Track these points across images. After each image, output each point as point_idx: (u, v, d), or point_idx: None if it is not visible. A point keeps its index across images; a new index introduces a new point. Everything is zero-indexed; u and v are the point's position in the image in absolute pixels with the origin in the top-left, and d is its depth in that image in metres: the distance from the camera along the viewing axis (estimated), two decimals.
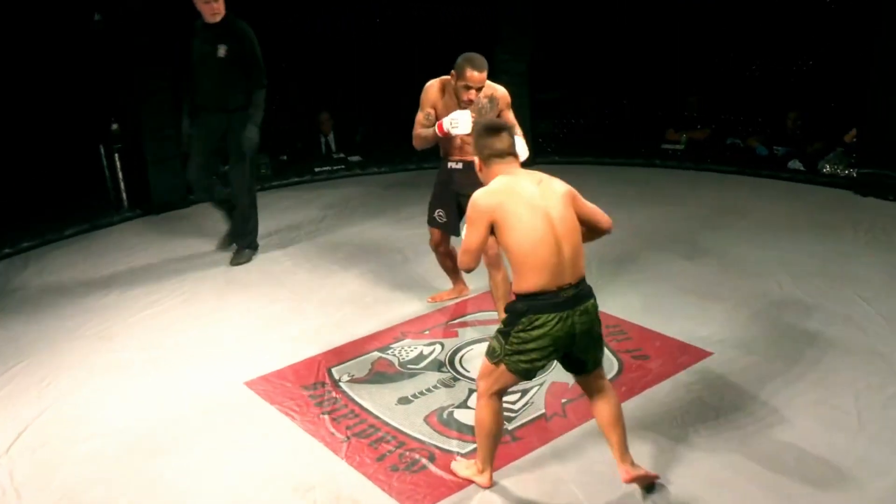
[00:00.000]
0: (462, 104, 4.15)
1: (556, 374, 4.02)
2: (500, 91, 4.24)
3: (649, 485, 3.14)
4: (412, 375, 4.11)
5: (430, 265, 5.44)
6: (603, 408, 3.10)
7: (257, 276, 5.56)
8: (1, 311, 5.22)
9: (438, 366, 4.19)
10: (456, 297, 4.95)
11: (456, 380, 4.05)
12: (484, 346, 4.24)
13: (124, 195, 7.16)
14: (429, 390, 3.96)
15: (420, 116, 4.30)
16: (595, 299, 3.01)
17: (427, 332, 4.57)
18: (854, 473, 3.17)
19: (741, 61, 8.11)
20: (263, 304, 5.10)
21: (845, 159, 6.97)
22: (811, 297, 4.73)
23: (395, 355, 4.32)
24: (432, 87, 4.32)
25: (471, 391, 3.92)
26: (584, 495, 3.15)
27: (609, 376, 3.90)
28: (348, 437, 3.60)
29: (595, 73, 8.58)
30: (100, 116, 7.27)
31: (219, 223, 6.12)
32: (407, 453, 3.46)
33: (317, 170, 8.08)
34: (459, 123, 4.06)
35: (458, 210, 4.42)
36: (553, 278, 2.88)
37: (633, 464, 3.10)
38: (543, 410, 3.73)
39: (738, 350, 4.16)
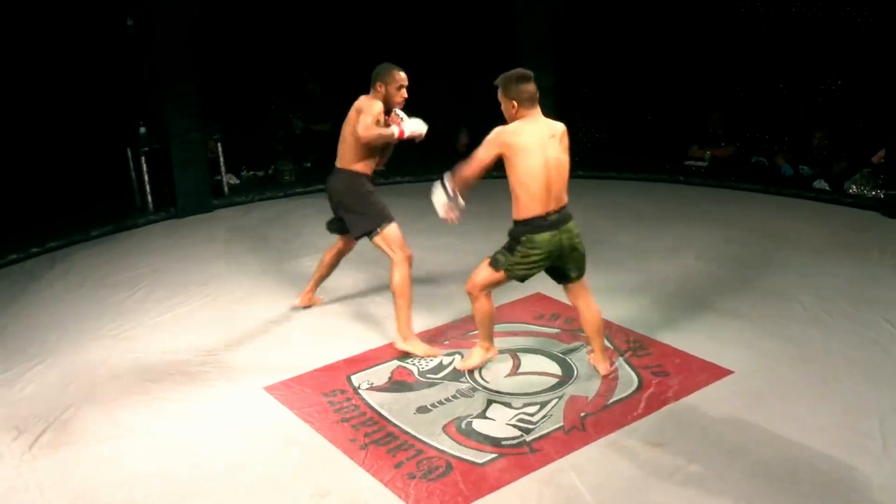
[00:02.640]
0: (397, 105, 4.45)
1: (576, 387, 4.02)
2: None
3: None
4: (431, 385, 4.12)
5: (450, 275, 5.46)
6: (589, 317, 4.07)
7: (279, 283, 5.59)
8: (26, 310, 5.30)
9: (457, 376, 4.19)
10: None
11: (475, 390, 4.05)
12: (502, 358, 4.30)
13: (150, 198, 7.25)
14: (448, 400, 3.96)
15: (371, 119, 4.31)
16: (573, 220, 3.91)
17: (447, 342, 4.57)
18: (877, 500, 3.13)
19: (767, 79, 8.06)
20: (285, 309, 5.13)
21: (872, 180, 6.91)
22: (834, 319, 4.69)
23: (414, 364, 4.33)
24: (378, 101, 4.39)
25: (489, 402, 3.92)
26: None
27: (629, 391, 3.96)
28: (366, 444, 3.61)
29: (619, 88, 8.57)
30: (128, 119, 7.37)
31: (241, 226, 6.15)
32: (424, 461, 3.46)
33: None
34: (420, 125, 4.43)
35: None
36: (542, 207, 3.79)
37: (606, 362, 4.13)
38: (562, 423, 3.72)
39: (760, 369, 4.13)
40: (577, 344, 4.48)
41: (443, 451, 3.53)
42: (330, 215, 4.77)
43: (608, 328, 4.63)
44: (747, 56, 8.08)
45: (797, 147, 7.88)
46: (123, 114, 7.44)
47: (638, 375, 4.12)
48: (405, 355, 4.41)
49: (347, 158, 4.52)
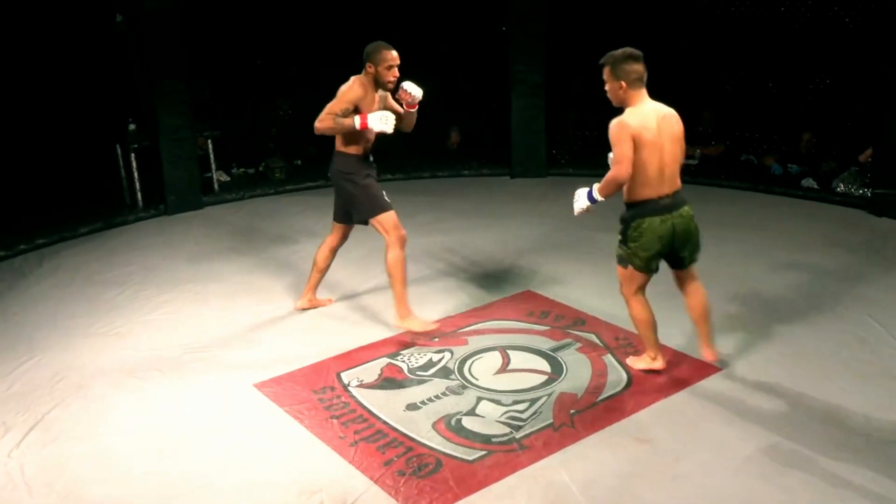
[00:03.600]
0: (389, 85, 4.40)
1: (566, 384, 4.04)
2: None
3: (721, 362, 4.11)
4: (421, 382, 4.12)
5: (440, 272, 5.47)
6: (694, 303, 4.03)
7: (269, 280, 5.59)
8: (15, 307, 5.28)
9: (447, 373, 4.20)
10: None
11: (464, 387, 4.05)
12: (492, 355, 4.31)
13: (139, 195, 7.22)
14: (437, 397, 3.97)
15: (336, 108, 4.36)
16: (689, 206, 3.86)
17: (436, 340, 4.58)
18: (858, 498, 3.15)
19: (757, 78, 8.10)
20: (275, 307, 5.12)
21: (859, 178, 6.95)
22: (822, 316, 4.72)
23: (404, 361, 4.34)
24: (355, 85, 4.39)
25: (479, 399, 3.93)
26: None
27: (618, 388, 3.97)
28: (356, 442, 3.61)
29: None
30: (118, 116, 7.35)
31: (231, 224, 6.13)
32: (414, 459, 3.47)
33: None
34: (389, 122, 4.34)
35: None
36: (654, 190, 3.73)
37: (712, 349, 4.08)
38: (551, 420, 3.73)
39: (748, 367, 4.15)
40: (566, 341, 4.49)
41: (432, 449, 3.54)
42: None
43: (597, 326, 4.66)
44: (738, 55, 8.12)
45: (786, 145, 7.92)
46: (113, 111, 7.42)
47: (627, 373, 4.14)
48: (394, 353, 4.42)
49: (338, 140, 4.55)
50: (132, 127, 7.23)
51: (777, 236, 6.16)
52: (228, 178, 8.05)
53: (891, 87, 6.31)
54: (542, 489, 3.26)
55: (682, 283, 4.05)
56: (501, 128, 8.11)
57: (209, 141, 7.62)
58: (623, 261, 3.92)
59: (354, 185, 4.54)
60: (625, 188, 3.77)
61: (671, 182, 3.78)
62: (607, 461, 3.42)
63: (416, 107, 4.56)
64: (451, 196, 7.50)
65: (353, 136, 4.48)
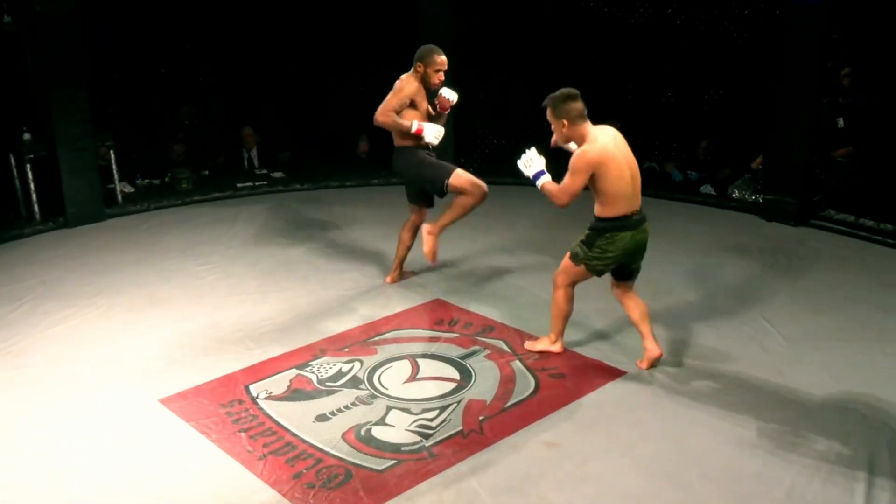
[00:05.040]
0: (433, 86, 4.92)
1: (474, 391, 4.10)
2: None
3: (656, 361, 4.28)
4: (330, 392, 4.11)
5: (350, 282, 5.47)
6: (634, 307, 4.26)
7: (175, 292, 5.46)
8: None
9: (357, 383, 4.20)
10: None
11: (374, 397, 4.07)
12: (402, 364, 4.35)
13: (36, 207, 6.94)
14: (347, 407, 3.97)
15: (395, 103, 4.86)
16: (647, 221, 4.13)
17: (346, 350, 4.58)
18: (751, 486, 3.33)
19: (657, 88, 8.38)
20: (180, 320, 5.02)
21: (752, 185, 7.30)
22: (719, 317, 4.94)
23: (313, 372, 4.32)
24: (411, 80, 4.91)
25: (389, 408, 3.95)
26: None
27: (526, 394, 4.07)
28: (265, 455, 3.58)
29: (518, 94, 8.74)
30: (11, 124, 7.03)
31: (136, 236, 5.95)
32: (324, 470, 3.46)
33: (239, 185, 7.98)
34: (439, 137, 4.93)
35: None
36: (628, 207, 4.00)
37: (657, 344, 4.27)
38: (461, 427, 3.78)
39: (650, 369, 4.30)
40: (475, 348, 4.56)
41: (342, 459, 3.54)
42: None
43: (505, 332, 4.74)
44: (639, 67, 8.38)
45: (685, 153, 8.22)
46: (5, 118, 7.08)
47: (535, 378, 4.23)
48: (304, 364, 4.40)
49: (397, 136, 5.00)
50: (27, 136, 6.94)
51: (678, 241, 6.38)
52: (133, 190, 7.82)
53: (777, 99, 6.66)
54: (452, 496, 3.30)
55: (623, 292, 4.30)
56: None
57: (111, 151, 7.38)
58: (578, 259, 4.14)
59: (418, 165, 4.97)
60: (599, 205, 4.04)
61: (637, 199, 4.07)
62: (516, 465, 3.50)
63: (448, 110, 5.05)
64: (360, 205, 7.50)
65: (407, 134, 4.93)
